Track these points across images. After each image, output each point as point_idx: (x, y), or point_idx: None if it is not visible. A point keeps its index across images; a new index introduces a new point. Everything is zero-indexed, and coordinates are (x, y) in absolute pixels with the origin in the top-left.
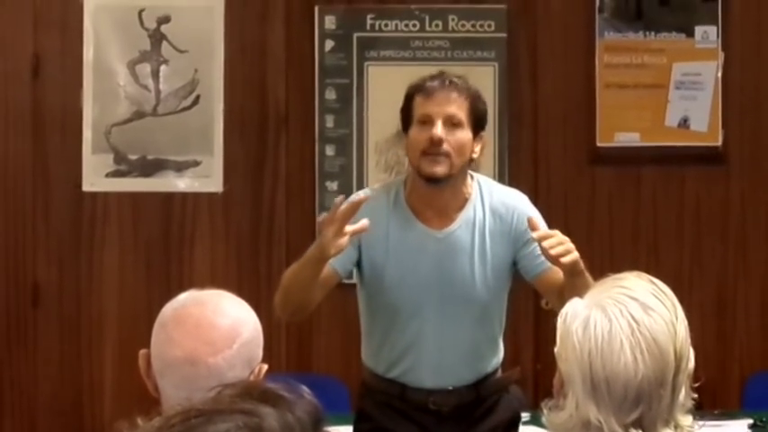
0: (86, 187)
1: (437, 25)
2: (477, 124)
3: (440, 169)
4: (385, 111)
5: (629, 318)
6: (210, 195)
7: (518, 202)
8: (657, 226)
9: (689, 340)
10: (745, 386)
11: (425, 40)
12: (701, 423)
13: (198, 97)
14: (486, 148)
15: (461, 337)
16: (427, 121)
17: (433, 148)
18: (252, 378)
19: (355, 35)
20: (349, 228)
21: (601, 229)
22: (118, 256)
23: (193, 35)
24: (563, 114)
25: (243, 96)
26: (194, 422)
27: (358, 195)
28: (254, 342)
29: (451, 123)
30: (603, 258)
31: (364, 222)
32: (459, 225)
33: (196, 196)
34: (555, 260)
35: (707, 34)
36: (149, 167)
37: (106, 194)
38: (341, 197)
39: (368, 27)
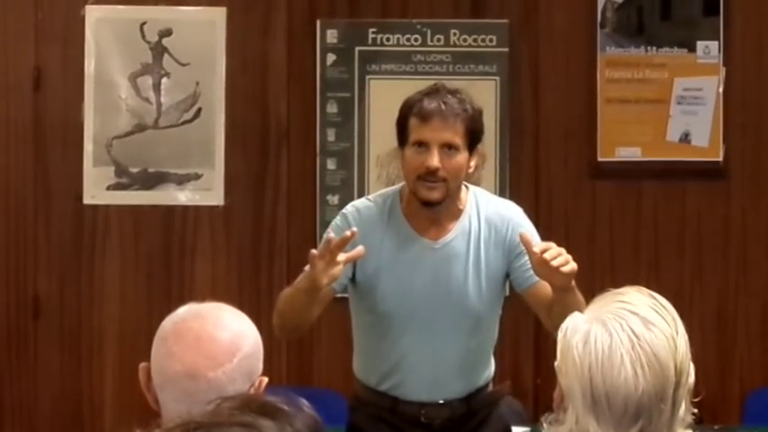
0: (87, 200)
1: (439, 39)
2: (473, 142)
3: (435, 195)
4: (386, 124)
5: (629, 332)
6: (211, 208)
7: (513, 214)
8: (658, 241)
9: (689, 355)
10: (746, 401)
11: (427, 54)
12: None
13: (199, 110)
14: (486, 161)
15: (454, 349)
16: (422, 146)
17: (429, 176)
18: (252, 391)
19: (357, 49)
20: (342, 256)
21: (601, 244)
22: (119, 268)
23: (195, 48)
24: (564, 129)
25: (244, 109)
26: None
27: (351, 230)
28: (254, 355)
29: (448, 148)
30: (604, 273)
31: (359, 249)
32: (455, 235)
33: (197, 209)
34: (547, 275)
35: (708, 49)
36: (150, 180)
37: (107, 207)
38: (336, 239)
39: (369, 41)
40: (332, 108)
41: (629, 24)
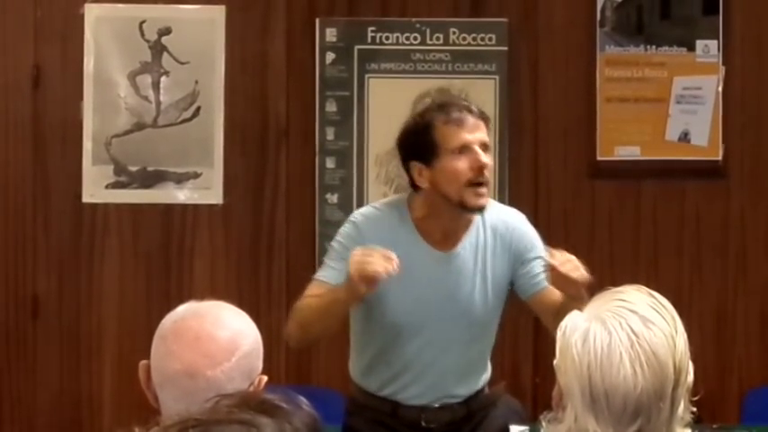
0: (86, 198)
1: (438, 38)
2: None
3: (484, 201)
4: (386, 123)
5: (628, 331)
6: (210, 207)
7: (517, 222)
8: (657, 240)
9: (688, 354)
10: (744, 400)
11: (426, 53)
12: None
13: (198, 109)
14: None
15: (457, 355)
16: (464, 151)
17: (480, 177)
18: (251, 390)
19: (356, 48)
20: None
21: (601, 243)
22: (117, 267)
23: (194, 47)
24: (563, 128)
25: (243, 108)
26: None
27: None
28: (253, 354)
29: (485, 150)
30: (603, 272)
31: (396, 261)
32: (464, 246)
33: (196, 208)
34: (561, 283)
35: (708, 48)
36: (149, 179)
37: (106, 206)
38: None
39: (369, 40)
40: (331, 107)
41: (629, 23)
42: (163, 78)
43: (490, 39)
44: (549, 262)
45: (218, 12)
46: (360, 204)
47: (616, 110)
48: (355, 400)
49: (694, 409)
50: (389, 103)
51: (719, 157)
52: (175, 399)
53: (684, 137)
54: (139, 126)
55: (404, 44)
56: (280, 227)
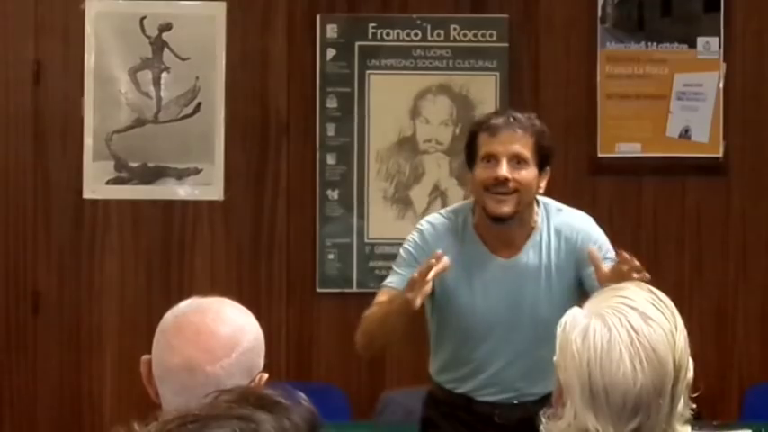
0: (87, 194)
1: (439, 35)
2: (543, 160)
3: (506, 209)
4: (386, 119)
5: (628, 327)
6: (211, 203)
7: (583, 224)
8: (658, 236)
9: (688, 350)
10: (745, 397)
11: (427, 50)
12: None
13: (199, 105)
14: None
15: (528, 356)
16: (491, 160)
17: (497, 187)
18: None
19: (357, 44)
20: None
21: None
22: (118, 263)
23: (195, 43)
24: (564, 124)
25: (244, 104)
26: (190, 427)
27: (437, 253)
28: (254, 351)
29: (517, 161)
30: None
31: (446, 261)
32: (527, 252)
33: (197, 204)
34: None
35: (709, 45)
36: (150, 175)
37: (107, 202)
38: (424, 268)
39: (369, 36)
40: (332, 103)
41: (630, 20)
42: (164, 74)
43: (491, 35)
44: (604, 271)
45: (219, 8)
46: (360, 200)
47: (617, 106)
48: (432, 394)
49: (694, 406)
50: (390, 100)
51: (720, 154)
52: (175, 393)
53: (685, 133)
54: (140, 122)
55: (404, 40)
56: (280, 223)
